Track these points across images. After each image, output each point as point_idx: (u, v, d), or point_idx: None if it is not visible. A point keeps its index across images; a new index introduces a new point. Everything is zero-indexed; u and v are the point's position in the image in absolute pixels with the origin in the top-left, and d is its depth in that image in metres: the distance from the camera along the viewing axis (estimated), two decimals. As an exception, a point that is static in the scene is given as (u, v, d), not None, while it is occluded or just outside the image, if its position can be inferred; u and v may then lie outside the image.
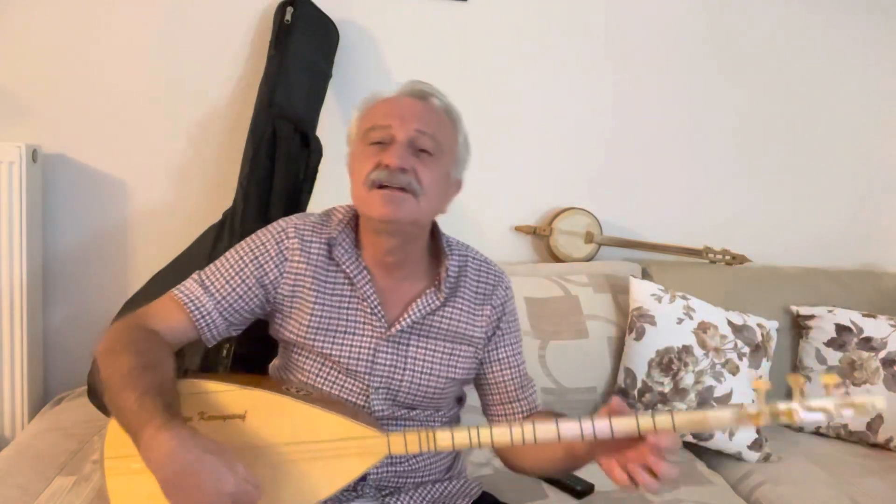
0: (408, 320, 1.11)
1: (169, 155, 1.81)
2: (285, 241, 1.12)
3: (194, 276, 1.12)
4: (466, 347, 1.16)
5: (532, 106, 2.02)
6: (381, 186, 1.02)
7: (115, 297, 1.73)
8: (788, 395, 0.89)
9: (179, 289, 1.10)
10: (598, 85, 2.05)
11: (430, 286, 1.14)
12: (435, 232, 1.17)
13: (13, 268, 1.61)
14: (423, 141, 1.05)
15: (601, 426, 0.91)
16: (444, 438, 0.95)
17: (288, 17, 1.71)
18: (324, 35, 1.79)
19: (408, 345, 1.12)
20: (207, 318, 1.08)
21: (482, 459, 1.58)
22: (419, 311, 1.12)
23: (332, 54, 1.82)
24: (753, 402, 0.91)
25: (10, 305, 1.62)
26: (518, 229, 2.05)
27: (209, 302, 1.09)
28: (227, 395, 1.00)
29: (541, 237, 2.05)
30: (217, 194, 1.79)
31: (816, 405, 0.88)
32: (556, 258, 2.03)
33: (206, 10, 1.78)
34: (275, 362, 1.26)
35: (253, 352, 1.35)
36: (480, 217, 2.02)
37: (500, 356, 1.18)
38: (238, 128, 1.77)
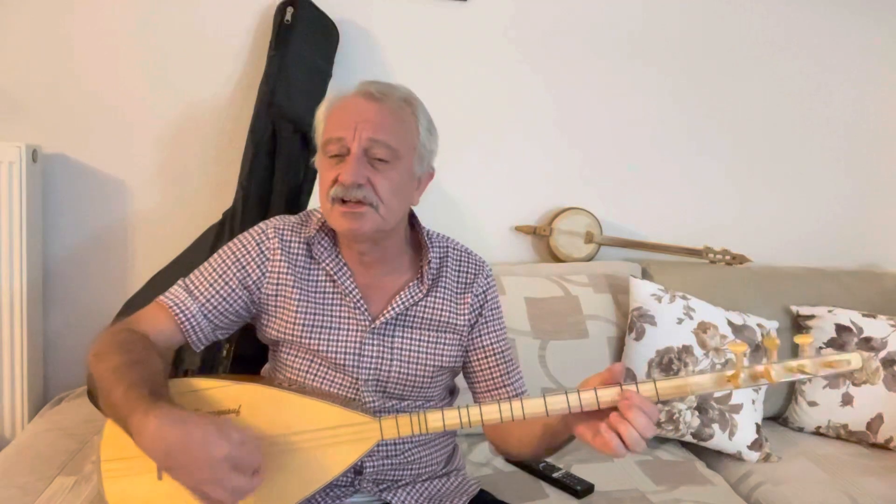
0: (392, 312, 1.13)
1: (169, 155, 1.81)
2: (266, 242, 1.14)
3: (179, 282, 1.15)
4: (451, 335, 1.18)
5: (532, 106, 2.02)
6: (341, 201, 1.05)
7: (115, 297, 1.73)
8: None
9: (165, 295, 1.13)
10: (597, 84, 2.05)
11: (412, 279, 1.16)
12: (415, 225, 1.19)
13: (13, 268, 1.61)
14: (376, 150, 1.05)
15: (587, 397, 0.92)
16: (435, 419, 0.96)
17: (288, 17, 1.71)
18: (324, 35, 1.79)
19: (392, 336, 1.14)
20: (192, 320, 1.11)
21: (482, 459, 1.59)
22: (403, 303, 1.14)
23: (332, 54, 1.82)
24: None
25: (11, 305, 1.62)
26: (518, 229, 2.05)
27: (194, 305, 1.11)
28: (221, 390, 1.01)
29: (541, 237, 2.05)
30: (217, 194, 1.79)
31: (793, 365, 0.89)
32: (556, 258, 2.03)
33: (206, 10, 1.78)
34: (266, 366, 1.28)
35: (253, 352, 1.36)
36: (480, 217, 2.03)
37: (485, 343, 1.20)
38: (238, 128, 1.77)
